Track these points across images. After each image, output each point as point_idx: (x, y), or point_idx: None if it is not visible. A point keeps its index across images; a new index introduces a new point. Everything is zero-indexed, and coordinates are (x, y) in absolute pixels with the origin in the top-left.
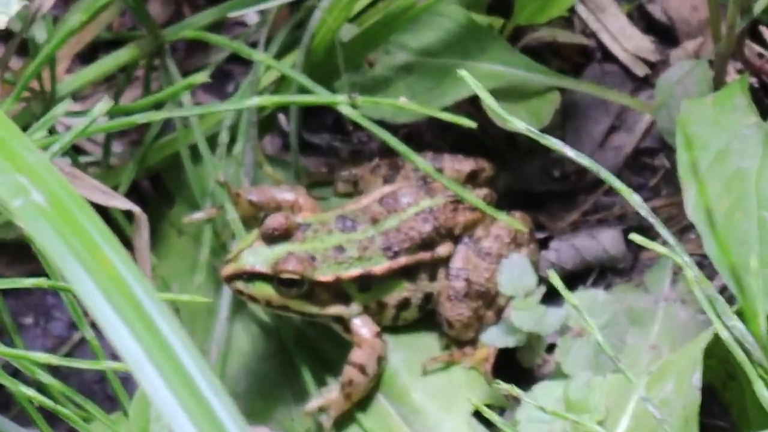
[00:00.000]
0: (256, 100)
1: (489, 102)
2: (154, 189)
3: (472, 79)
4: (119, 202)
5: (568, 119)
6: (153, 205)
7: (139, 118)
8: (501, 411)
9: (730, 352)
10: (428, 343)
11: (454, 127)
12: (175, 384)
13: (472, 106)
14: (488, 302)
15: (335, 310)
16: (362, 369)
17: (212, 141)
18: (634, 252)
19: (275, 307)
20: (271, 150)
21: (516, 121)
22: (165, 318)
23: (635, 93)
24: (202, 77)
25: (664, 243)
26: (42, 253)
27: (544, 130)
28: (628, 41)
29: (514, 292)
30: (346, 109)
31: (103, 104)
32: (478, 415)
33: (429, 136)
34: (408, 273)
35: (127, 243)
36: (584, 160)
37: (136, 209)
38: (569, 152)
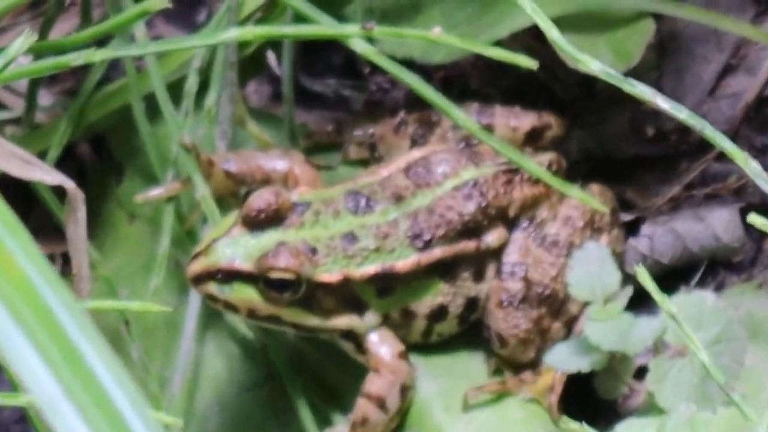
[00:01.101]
0: (235, 33)
1: (554, 35)
2: (95, 156)
3: (531, 3)
4: (46, 175)
5: (666, 57)
6: (94, 178)
7: (74, 59)
8: None
9: None
10: (472, 367)
11: (510, 70)
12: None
13: (534, 39)
14: (555, 310)
15: (344, 321)
16: (381, 403)
17: (175, 90)
18: (756, 239)
19: (262, 318)
20: (258, 101)
21: (592, 60)
22: (91, 341)
23: (758, 20)
24: (161, 2)
25: None
26: None
27: (632, 73)
28: None
29: (590, 296)
30: (359, 45)
31: (24, 39)
32: None
33: (474, 81)
34: (444, 270)
35: (58, 231)
36: (686, 115)
37: (68, 184)
38: (665, 104)
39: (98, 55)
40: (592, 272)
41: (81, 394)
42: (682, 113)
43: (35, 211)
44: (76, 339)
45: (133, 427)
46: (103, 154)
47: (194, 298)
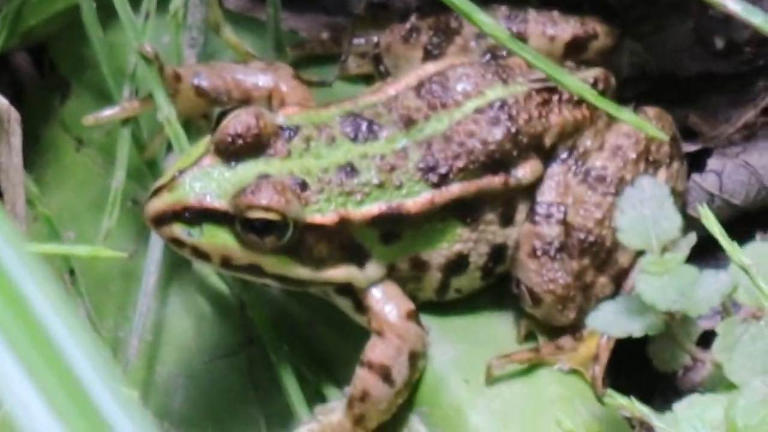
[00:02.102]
0: None
1: None
2: (35, 69)
3: None
4: None
5: None
6: (33, 95)
7: None
8: None
9: None
10: (497, 330)
11: None
12: (49, 399)
13: None
14: (600, 261)
15: (341, 273)
16: (385, 373)
17: None
18: None
19: (239, 268)
20: (236, 2)
21: None
22: (37, 286)
23: None
24: None
25: None
26: None
27: None
28: None
29: (643, 244)
30: None
31: None
32: None
33: None
34: (464, 211)
35: None
36: (763, 20)
37: (1, 102)
38: (736, 5)
39: None
40: (646, 215)
41: (24, 349)
42: (757, 18)
43: None
44: (21, 283)
45: (92, 395)
46: (45, 66)
47: (155, 244)
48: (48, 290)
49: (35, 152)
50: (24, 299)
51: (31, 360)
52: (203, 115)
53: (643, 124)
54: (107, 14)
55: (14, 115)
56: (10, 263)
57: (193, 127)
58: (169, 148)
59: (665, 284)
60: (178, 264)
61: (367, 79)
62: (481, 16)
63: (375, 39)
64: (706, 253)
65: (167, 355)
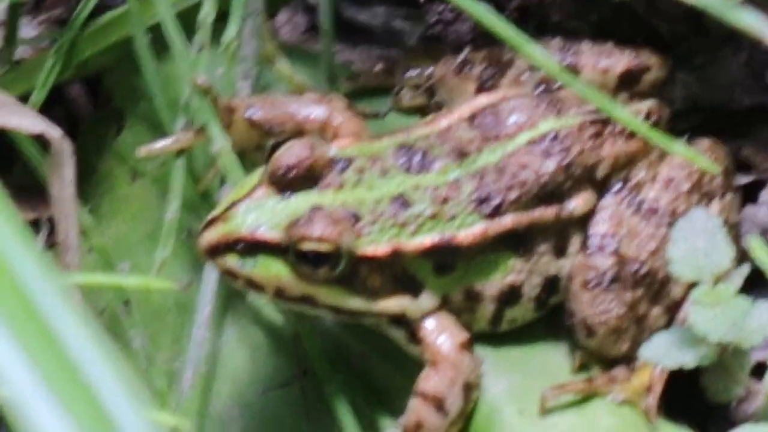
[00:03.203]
0: None
1: None
2: (90, 100)
3: None
4: (25, 121)
5: None
6: (89, 127)
7: None
8: None
9: None
10: (551, 361)
11: None
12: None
13: None
14: (653, 293)
15: (394, 304)
16: (439, 404)
17: (188, 20)
18: None
19: (292, 299)
20: (290, 34)
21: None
22: (73, 321)
23: None
24: None
25: None
26: None
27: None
28: None
29: (696, 275)
30: None
31: None
32: None
33: (557, 12)
34: (517, 243)
35: (45, 190)
36: None
37: (53, 132)
38: None
39: None
40: (698, 247)
41: (60, 386)
42: None
43: (17, 166)
44: (54, 320)
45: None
46: (100, 97)
47: (210, 275)
48: (79, 323)
49: (90, 183)
50: (56, 335)
51: (61, 394)
52: (257, 146)
53: (695, 156)
54: (161, 46)
55: (66, 147)
56: (43, 299)
57: (247, 159)
58: (224, 179)
59: (717, 315)
60: (233, 295)
61: (421, 112)
62: (532, 48)
63: (428, 71)
64: (761, 284)
65: (222, 387)
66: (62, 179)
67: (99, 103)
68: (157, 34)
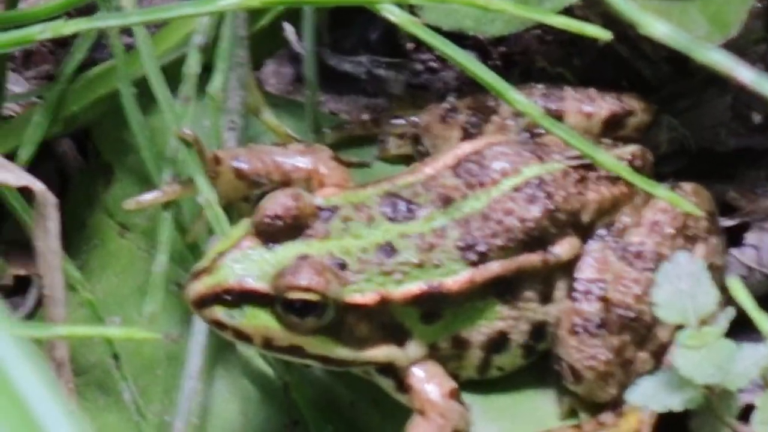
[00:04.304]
0: None
1: None
2: (79, 155)
3: None
4: (8, 175)
5: None
6: (78, 181)
7: (41, 31)
8: None
9: None
10: (540, 407)
11: (584, 45)
12: None
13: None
14: (640, 337)
15: (382, 353)
16: None
17: (173, 73)
18: None
19: (280, 349)
20: (276, 85)
21: (655, 22)
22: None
23: None
24: None
25: None
26: None
27: (732, 45)
28: None
29: (681, 318)
30: (394, 12)
31: None
32: None
33: (541, 59)
34: (504, 290)
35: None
36: None
37: (37, 186)
38: (747, 75)
39: (69, 27)
40: (683, 290)
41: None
42: None
43: (8, 222)
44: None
45: None
46: (88, 151)
47: (199, 327)
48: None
49: (80, 238)
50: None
51: None
52: (244, 197)
53: (678, 200)
54: (148, 99)
55: (51, 200)
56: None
57: (234, 209)
58: (211, 231)
59: (703, 358)
60: (223, 347)
61: (407, 160)
62: (515, 95)
63: (414, 120)
64: (747, 327)
65: None
66: (47, 232)
67: (88, 157)
68: (143, 88)
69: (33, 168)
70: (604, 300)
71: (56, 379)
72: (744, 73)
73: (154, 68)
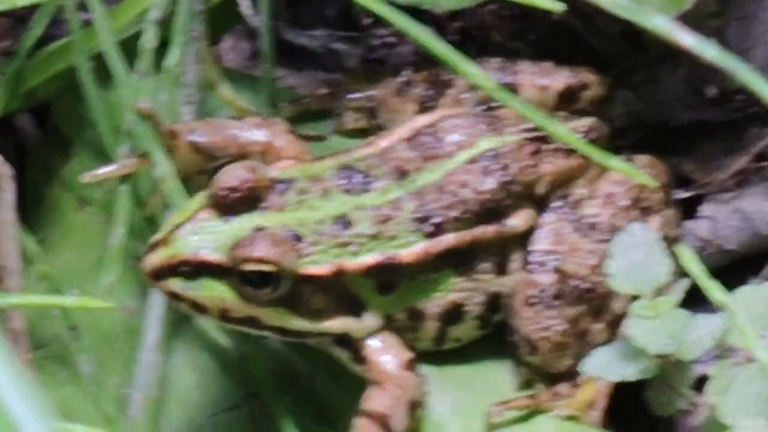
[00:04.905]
0: None
1: None
2: (37, 129)
3: None
4: None
5: (730, 2)
6: (36, 155)
7: None
8: None
9: None
10: (496, 378)
11: (539, 19)
12: None
13: None
14: (595, 308)
15: (338, 324)
16: (384, 423)
17: (130, 48)
18: None
19: (237, 320)
20: (233, 59)
21: (623, 2)
22: None
23: None
24: None
25: None
26: None
27: (687, 19)
28: None
29: (635, 288)
30: None
31: None
32: None
33: (497, 33)
34: (459, 261)
35: None
36: (751, 75)
37: None
38: (688, 40)
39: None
40: (637, 260)
41: None
42: (710, 52)
43: None
44: None
45: None
46: (47, 126)
47: (157, 299)
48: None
49: (39, 212)
50: None
51: None
52: (200, 170)
53: (631, 171)
54: (106, 74)
55: (7, 171)
56: None
57: (191, 183)
58: (168, 204)
59: (657, 328)
60: (181, 319)
61: (364, 133)
62: (471, 68)
63: (370, 93)
64: (700, 299)
65: (171, 411)
66: (2, 203)
67: (47, 132)
68: (101, 63)
69: None
70: (559, 271)
71: (12, 350)
72: (685, 38)
73: (111, 43)
